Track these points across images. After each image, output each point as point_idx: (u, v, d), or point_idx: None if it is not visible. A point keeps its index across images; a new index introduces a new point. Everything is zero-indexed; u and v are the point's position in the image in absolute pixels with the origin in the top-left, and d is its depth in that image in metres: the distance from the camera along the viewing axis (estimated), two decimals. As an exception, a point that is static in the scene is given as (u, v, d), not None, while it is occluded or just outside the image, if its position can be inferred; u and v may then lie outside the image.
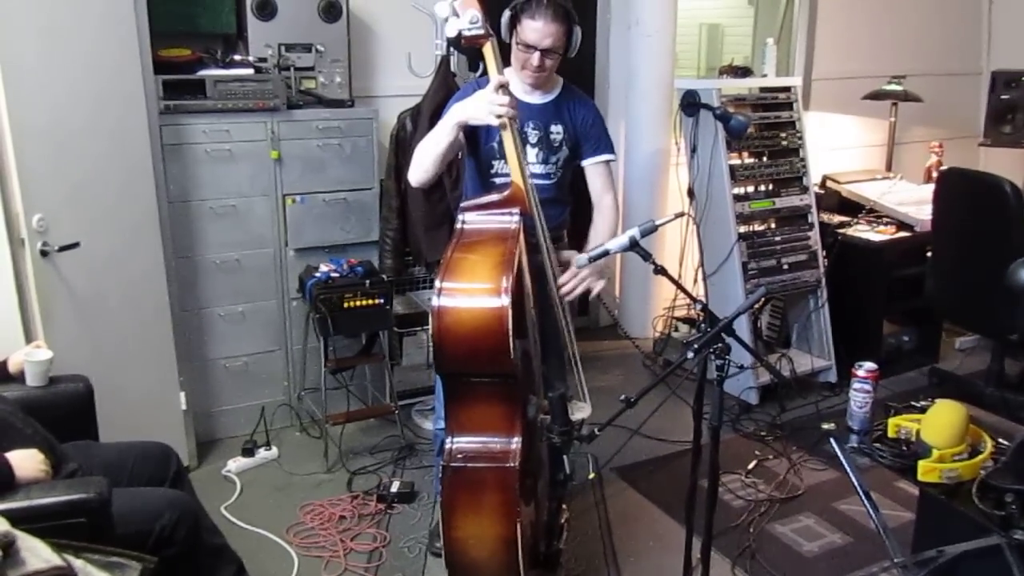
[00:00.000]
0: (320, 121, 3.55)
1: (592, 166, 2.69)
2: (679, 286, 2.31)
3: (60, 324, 2.64)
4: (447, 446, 2.14)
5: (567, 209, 2.74)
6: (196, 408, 3.45)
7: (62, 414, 2.33)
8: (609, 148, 2.70)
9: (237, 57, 3.49)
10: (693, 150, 4.03)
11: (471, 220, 2.27)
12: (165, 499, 2.16)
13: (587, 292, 2.54)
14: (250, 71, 3.42)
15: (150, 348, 3.14)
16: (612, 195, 2.72)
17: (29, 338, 2.55)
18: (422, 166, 2.52)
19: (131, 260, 3.02)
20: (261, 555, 2.82)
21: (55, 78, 2.64)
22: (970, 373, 4.27)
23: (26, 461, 1.96)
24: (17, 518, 1.70)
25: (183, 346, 3.33)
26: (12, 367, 2.38)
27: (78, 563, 1.63)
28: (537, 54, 2.45)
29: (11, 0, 2.43)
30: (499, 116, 2.28)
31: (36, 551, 1.57)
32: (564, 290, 2.47)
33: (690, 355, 2.08)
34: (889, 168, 5.06)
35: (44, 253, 2.58)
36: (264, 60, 3.48)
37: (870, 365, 2.50)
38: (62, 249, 2.63)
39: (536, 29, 2.42)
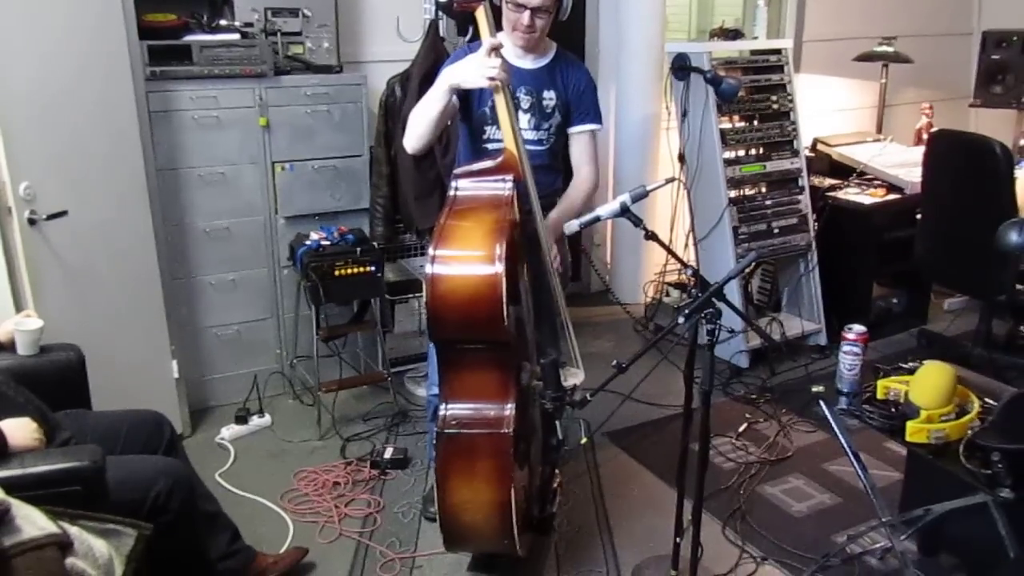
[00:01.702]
0: (308, 87, 3.51)
1: (576, 134, 2.67)
2: (670, 251, 2.31)
3: (50, 293, 2.63)
4: (441, 412, 2.15)
5: (560, 176, 2.72)
6: (189, 376, 3.46)
7: (54, 383, 2.32)
8: (596, 118, 2.68)
9: (223, 22, 3.43)
10: (684, 114, 4.02)
11: (464, 187, 2.26)
12: (159, 467, 2.17)
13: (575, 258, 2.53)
14: (236, 36, 3.38)
15: (141, 316, 3.13)
16: (591, 166, 2.68)
17: (19, 307, 2.54)
18: (416, 132, 2.50)
19: (120, 228, 3.00)
20: (256, 521, 2.84)
21: (38, 46, 2.60)
22: (958, 334, 4.31)
23: (19, 430, 1.95)
24: (12, 486, 1.70)
25: (174, 314, 3.32)
26: (2, 336, 2.38)
27: (74, 530, 1.63)
28: (527, 13, 2.42)
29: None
30: (491, 79, 2.26)
31: (32, 519, 1.58)
32: (555, 265, 2.47)
33: (681, 320, 2.09)
34: (880, 130, 5.05)
35: (32, 222, 2.56)
36: (250, 25, 3.43)
37: (859, 328, 2.51)
38: (50, 217, 2.61)
39: None
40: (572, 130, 2.66)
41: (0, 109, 2.42)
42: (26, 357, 2.35)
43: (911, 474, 2.70)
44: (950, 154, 3.75)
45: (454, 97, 2.41)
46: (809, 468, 3.19)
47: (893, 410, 2.34)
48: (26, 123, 2.55)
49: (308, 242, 3.44)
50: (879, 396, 2.41)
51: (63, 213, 2.65)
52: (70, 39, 2.74)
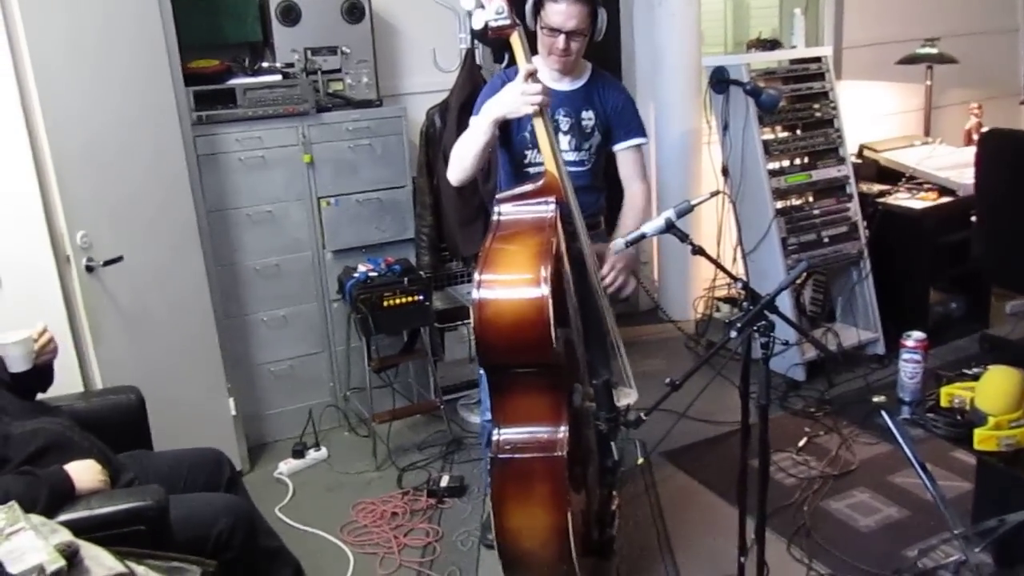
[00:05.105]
0: (350, 123, 3.57)
1: (622, 151, 2.66)
2: (718, 265, 2.29)
3: (109, 337, 2.69)
4: (494, 438, 2.15)
5: (602, 196, 2.72)
6: (245, 413, 3.50)
7: (116, 426, 2.38)
8: (640, 132, 2.67)
9: (265, 64, 3.52)
10: (725, 127, 3.99)
11: (507, 211, 2.27)
12: (221, 504, 2.20)
13: (619, 291, 2.53)
14: (278, 77, 3.46)
15: (197, 356, 3.19)
16: (642, 180, 2.68)
17: (80, 352, 2.60)
18: (461, 165, 2.52)
19: (174, 271, 3.07)
20: (317, 555, 2.86)
21: (89, 97, 2.69)
22: (1023, 337, 4.18)
23: (85, 472, 2.00)
24: (79, 528, 1.74)
25: (229, 353, 3.38)
26: None
27: (140, 570, 1.66)
28: (563, 37, 2.43)
29: (43, 25, 2.47)
30: (533, 104, 2.27)
31: (99, 559, 1.61)
32: (605, 283, 2.47)
33: (733, 335, 2.06)
34: (927, 133, 4.95)
35: (89, 268, 2.63)
36: (291, 65, 3.50)
37: (918, 335, 2.46)
38: (106, 264, 2.68)
39: (560, 11, 2.40)
40: (617, 147, 2.66)
41: (56, 162, 2.50)
42: (78, 398, 2.39)
43: (982, 483, 2.62)
44: (1002, 153, 3.66)
45: (496, 129, 2.43)
46: (874, 481, 3.11)
47: (959, 418, 2.28)
48: (81, 174, 2.62)
49: (356, 275, 3.48)
50: (943, 404, 2.35)
51: (119, 259, 2.72)
52: (121, 92, 2.82)
